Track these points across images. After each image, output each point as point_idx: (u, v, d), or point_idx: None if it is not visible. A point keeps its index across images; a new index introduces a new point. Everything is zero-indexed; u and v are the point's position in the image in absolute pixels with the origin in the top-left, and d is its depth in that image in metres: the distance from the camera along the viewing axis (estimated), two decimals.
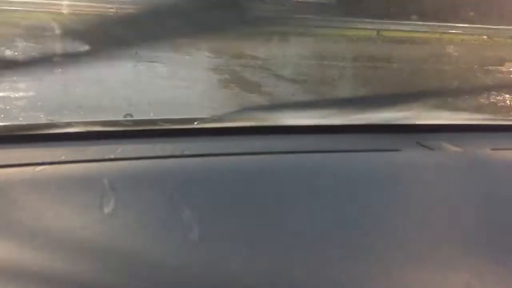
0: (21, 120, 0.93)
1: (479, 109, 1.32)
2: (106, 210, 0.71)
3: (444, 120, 1.19)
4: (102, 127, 0.96)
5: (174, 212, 0.72)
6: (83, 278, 0.57)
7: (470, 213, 0.77)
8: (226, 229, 0.68)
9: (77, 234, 0.65)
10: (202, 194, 0.77)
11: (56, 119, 0.98)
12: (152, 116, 0.99)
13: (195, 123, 1.00)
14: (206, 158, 0.89)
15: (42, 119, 0.96)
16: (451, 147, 1.00)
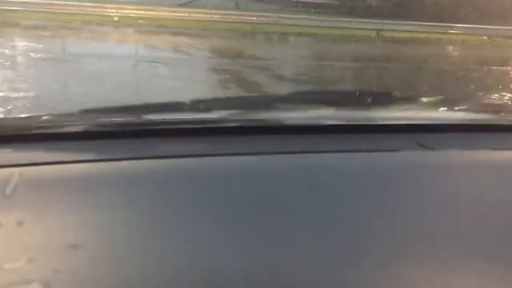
0: (21, 120, 0.93)
1: (479, 109, 1.32)
2: (106, 210, 0.71)
3: (444, 120, 1.19)
4: (102, 127, 0.96)
5: (174, 212, 0.72)
6: (83, 278, 0.57)
7: (470, 213, 0.77)
8: (226, 229, 0.68)
9: (77, 234, 0.65)
10: (202, 194, 0.77)
11: (56, 119, 0.98)
12: (152, 116, 0.99)
13: (195, 123, 1.00)
14: (206, 158, 0.89)
15: (42, 119, 0.96)
16: (451, 147, 1.00)
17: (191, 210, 0.72)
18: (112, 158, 0.86)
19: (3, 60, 7.57)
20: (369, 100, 1.20)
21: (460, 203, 0.80)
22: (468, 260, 0.65)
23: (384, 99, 1.24)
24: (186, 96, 1.10)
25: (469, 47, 13.85)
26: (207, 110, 1.04)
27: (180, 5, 16.02)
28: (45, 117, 0.96)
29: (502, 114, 1.31)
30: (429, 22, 14.25)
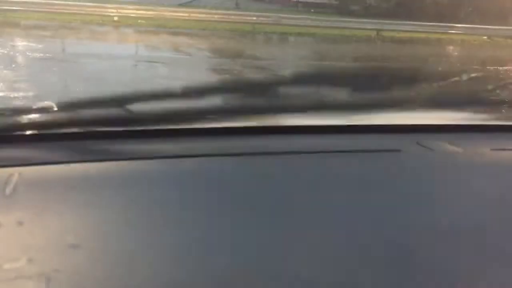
0: (21, 120, 0.93)
1: (479, 109, 1.32)
2: (106, 210, 0.71)
3: (444, 120, 1.19)
4: (102, 127, 0.96)
5: (174, 212, 0.72)
6: (82, 278, 0.57)
7: (470, 213, 0.77)
8: (226, 229, 0.68)
9: (77, 234, 0.65)
10: (202, 194, 0.77)
11: (56, 119, 0.98)
12: (152, 116, 0.99)
13: (196, 123, 1.00)
14: (206, 158, 0.89)
15: (42, 119, 0.96)
16: (451, 147, 1.00)
17: (191, 210, 0.72)
18: (111, 158, 0.86)
19: (3, 60, 7.57)
20: (369, 100, 1.20)
21: (460, 203, 0.80)
22: (468, 259, 0.64)
23: (384, 99, 1.24)
24: (186, 96, 1.10)
25: (469, 47, 13.85)
26: (207, 110, 1.04)
27: (180, 5, 16.01)
28: (45, 117, 0.96)
29: (502, 114, 1.31)
30: (429, 22, 14.26)
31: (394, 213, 0.76)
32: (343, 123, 1.07)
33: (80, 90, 5.75)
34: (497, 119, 1.25)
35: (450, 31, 14.84)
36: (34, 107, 1.00)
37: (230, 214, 0.72)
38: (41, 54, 8.16)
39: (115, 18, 12.94)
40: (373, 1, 18.73)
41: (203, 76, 8.28)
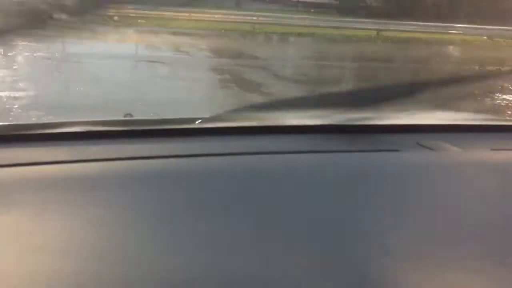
0: (21, 120, 0.93)
1: (479, 109, 1.32)
2: (106, 210, 0.71)
3: (444, 120, 1.20)
4: (102, 127, 0.96)
5: (174, 211, 0.72)
6: (82, 278, 0.57)
7: (470, 213, 0.77)
8: (226, 229, 0.68)
9: (77, 234, 0.65)
10: (202, 194, 0.77)
11: (56, 119, 0.98)
12: (152, 116, 0.99)
13: (195, 123, 1.00)
14: (206, 158, 0.89)
15: (42, 119, 0.97)
16: (451, 147, 1.00)
17: (191, 210, 0.72)
18: (111, 158, 0.87)
19: (3, 60, 7.57)
20: (369, 100, 1.20)
21: (460, 203, 0.80)
22: (468, 259, 0.65)
23: (384, 99, 1.24)
24: (186, 96, 1.10)
25: (469, 48, 13.85)
26: (207, 110, 1.04)
27: (180, 5, 16.01)
28: (45, 117, 0.96)
29: (502, 114, 1.31)
30: (430, 22, 14.26)
31: (394, 212, 0.76)
32: (342, 123, 1.07)
33: (80, 90, 5.74)
34: (497, 119, 1.25)
35: (450, 31, 14.85)
36: (34, 107, 1.00)
37: (230, 213, 0.72)
38: (41, 54, 8.16)
39: (115, 18, 12.96)
40: (374, 1, 18.73)
41: (203, 75, 8.27)
